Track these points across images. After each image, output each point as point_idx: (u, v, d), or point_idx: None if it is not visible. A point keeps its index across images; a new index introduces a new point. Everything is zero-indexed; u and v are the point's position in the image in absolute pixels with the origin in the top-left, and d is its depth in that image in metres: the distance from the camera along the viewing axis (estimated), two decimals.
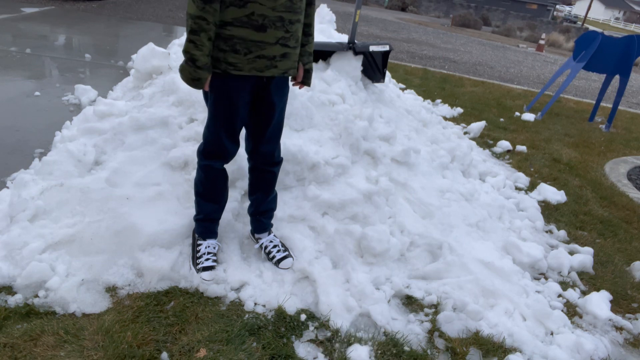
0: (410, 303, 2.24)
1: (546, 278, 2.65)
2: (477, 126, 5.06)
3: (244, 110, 1.97)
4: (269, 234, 2.33)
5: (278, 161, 2.20)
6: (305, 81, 2.13)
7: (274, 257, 2.25)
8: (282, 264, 2.23)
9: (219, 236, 2.28)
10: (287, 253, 2.27)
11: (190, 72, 1.77)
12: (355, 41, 3.35)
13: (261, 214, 2.28)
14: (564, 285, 2.60)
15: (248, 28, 1.78)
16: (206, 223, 2.19)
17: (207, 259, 2.14)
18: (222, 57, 1.81)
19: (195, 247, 2.19)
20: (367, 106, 3.26)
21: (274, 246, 2.28)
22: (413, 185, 2.90)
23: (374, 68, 3.57)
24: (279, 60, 1.88)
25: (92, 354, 1.69)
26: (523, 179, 3.92)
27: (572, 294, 2.49)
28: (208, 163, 2.05)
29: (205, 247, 2.17)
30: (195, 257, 2.16)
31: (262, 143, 2.10)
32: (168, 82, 3.00)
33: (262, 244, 2.29)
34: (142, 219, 2.19)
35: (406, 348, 1.94)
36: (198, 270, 2.12)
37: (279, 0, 1.79)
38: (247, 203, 2.47)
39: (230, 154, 2.07)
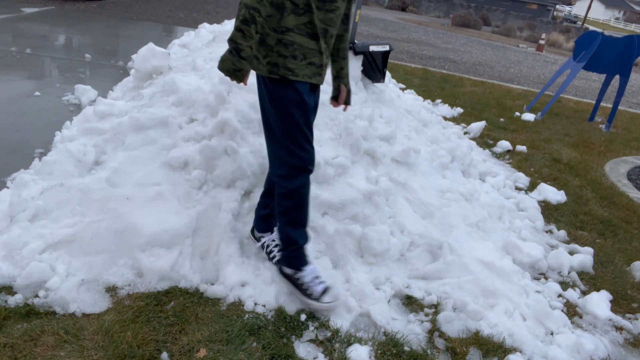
0: (410, 303, 2.24)
1: (546, 278, 2.65)
2: (477, 126, 5.06)
3: (312, 117, 1.97)
4: (271, 232, 2.30)
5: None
6: (348, 101, 2.22)
7: (274, 256, 2.23)
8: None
9: (219, 236, 2.28)
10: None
11: (234, 62, 1.73)
12: (355, 41, 3.35)
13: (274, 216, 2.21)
14: (564, 285, 2.60)
15: (305, 36, 1.82)
16: (300, 250, 2.05)
17: (317, 284, 2.01)
18: (281, 62, 1.81)
19: (296, 282, 2.04)
20: (367, 106, 3.26)
21: (275, 245, 2.23)
22: (413, 185, 2.90)
23: (374, 68, 3.57)
24: (323, 69, 1.93)
25: (92, 354, 1.69)
26: (523, 179, 3.92)
27: (572, 294, 2.49)
28: (300, 182, 1.95)
29: (309, 274, 2.03)
30: (304, 290, 2.01)
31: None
32: (168, 82, 3.00)
33: (264, 242, 2.27)
34: (142, 219, 2.19)
35: (406, 348, 1.94)
36: (317, 300, 1.99)
37: (328, 14, 1.83)
38: (247, 203, 2.47)
39: (314, 159, 1.97)
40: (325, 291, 2.01)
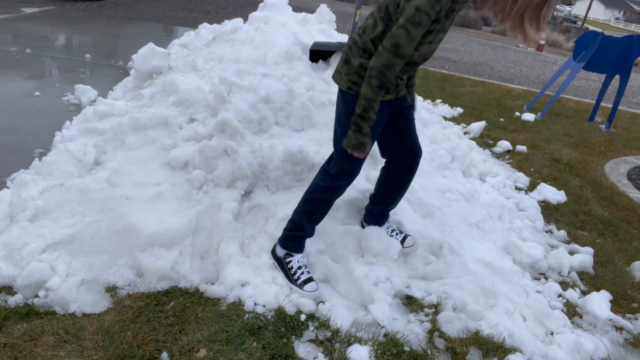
0: (410, 303, 2.24)
1: (546, 278, 2.65)
2: (477, 126, 5.06)
3: (380, 126, 2.06)
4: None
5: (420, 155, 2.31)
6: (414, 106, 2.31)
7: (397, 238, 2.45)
8: (406, 242, 2.44)
9: (219, 236, 2.28)
10: (404, 234, 2.48)
11: (359, 139, 1.89)
12: None
13: (387, 212, 2.47)
14: (564, 285, 2.60)
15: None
16: (301, 239, 2.21)
17: (303, 272, 2.14)
18: (360, 82, 1.91)
19: (285, 264, 2.17)
20: None
21: (392, 230, 2.47)
22: (413, 185, 2.89)
23: None
24: (399, 87, 2.04)
25: (92, 354, 1.69)
26: (523, 179, 3.91)
27: (572, 294, 2.49)
28: (340, 184, 2.11)
29: (297, 262, 2.17)
30: (290, 275, 2.14)
31: (399, 149, 2.26)
32: (168, 82, 3.00)
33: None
34: (142, 219, 2.19)
35: (406, 348, 1.94)
36: (300, 286, 2.11)
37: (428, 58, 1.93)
38: (247, 203, 2.47)
39: (359, 172, 2.14)
40: (308, 280, 2.13)
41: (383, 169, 2.38)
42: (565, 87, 6.54)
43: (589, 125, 6.50)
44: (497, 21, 1.69)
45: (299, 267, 2.15)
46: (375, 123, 1.93)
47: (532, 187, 3.85)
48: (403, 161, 2.27)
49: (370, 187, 2.65)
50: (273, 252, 2.25)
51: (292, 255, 2.18)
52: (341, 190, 2.16)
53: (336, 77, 2.02)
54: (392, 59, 1.74)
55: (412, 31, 1.67)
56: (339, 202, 2.52)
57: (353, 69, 1.93)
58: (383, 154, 2.33)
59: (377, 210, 2.45)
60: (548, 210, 3.48)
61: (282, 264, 2.19)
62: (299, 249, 2.22)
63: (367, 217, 2.50)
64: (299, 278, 2.13)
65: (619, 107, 6.99)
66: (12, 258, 2.02)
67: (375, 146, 2.27)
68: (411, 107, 2.22)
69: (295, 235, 2.19)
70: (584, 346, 2.06)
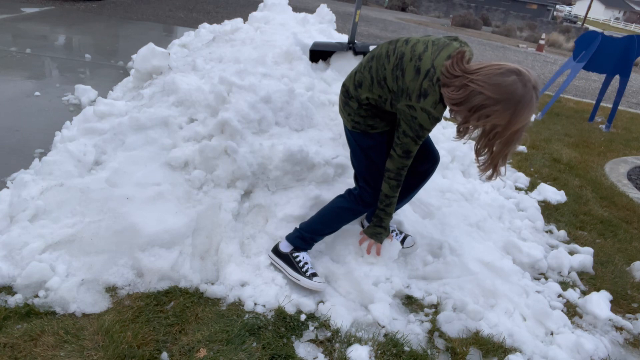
0: (410, 303, 2.24)
1: (546, 278, 2.65)
2: None
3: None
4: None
5: (438, 160, 2.39)
6: None
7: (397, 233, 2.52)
8: (406, 243, 2.48)
9: (219, 236, 2.28)
10: (404, 234, 2.51)
11: (377, 230, 2.23)
12: (355, 41, 3.35)
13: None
14: (564, 285, 2.60)
15: (382, 104, 2.03)
16: (313, 242, 2.28)
17: (310, 267, 2.20)
18: (362, 121, 2.10)
19: (292, 259, 2.23)
20: None
21: (392, 231, 2.49)
22: None
23: None
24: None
25: (92, 354, 1.69)
26: (523, 179, 3.91)
27: (572, 294, 2.49)
28: (362, 209, 2.26)
29: (304, 257, 2.23)
30: (298, 268, 2.20)
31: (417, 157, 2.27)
32: (168, 82, 3.00)
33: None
34: (142, 219, 2.19)
35: (406, 348, 1.94)
36: (309, 277, 2.16)
37: None
38: (247, 203, 2.47)
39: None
40: (315, 274, 2.19)
41: None
42: (565, 87, 6.54)
43: (589, 125, 6.50)
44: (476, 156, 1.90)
45: (306, 263, 2.21)
46: (380, 150, 2.13)
47: (532, 187, 3.85)
48: (421, 165, 2.30)
49: None
50: (275, 250, 2.26)
51: (299, 251, 2.24)
52: (361, 213, 2.30)
53: (341, 114, 2.20)
54: (405, 161, 2.01)
55: (418, 141, 1.95)
56: None
57: (353, 111, 2.10)
58: None
59: None
60: (548, 210, 3.48)
61: (289, 260, 2.22)
62: (309, 248, 2.28)
63: (369, 217, 2.50)
64: (307, 271, 2.18)
65: (619, 107, 6.99)
66: (12, 258, 2.02)
67: None
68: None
69: (310, 238, 2.25)
70: (584, 346, 2.06)
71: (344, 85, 2.16)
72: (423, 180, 2.38)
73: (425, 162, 2.30)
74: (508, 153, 1.83)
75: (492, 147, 1.81)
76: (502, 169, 1.88)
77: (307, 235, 2.24)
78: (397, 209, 2.48)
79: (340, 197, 2.29)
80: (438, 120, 1.88)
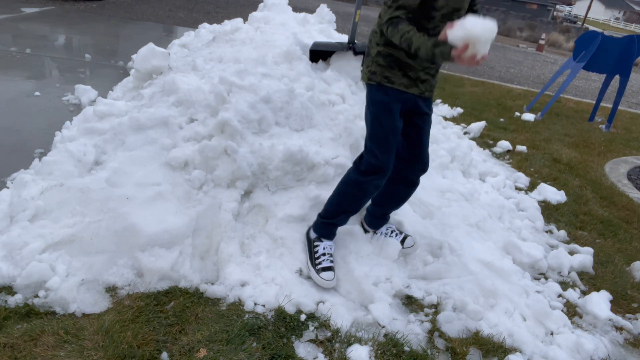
0: (410, 303, 2.24)
1: (546, 278, 2.65)
2: (477, 126, 5.06)
3: (400, 120, 2.09)
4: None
5: (425, 170, 2.32)
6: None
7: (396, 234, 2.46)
8: (406, 243, 2.43)
9: (219, 236, 2.28)
10: (404, 234, 2.46)
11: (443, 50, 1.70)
12: (355, 41, 3.35)
13: (388, 214, 2.48)
14: (564, 285, 2.60)
15: (402, 50, 1.95)
16: (332, 227, 2.26)
17: (325, 260, 2.19)
18: (379, 71, 2.02)
19: (312, 247, 2.24)
20: None
21: (392, 231, 2.47)
22: None
23: None
24: (420, 82, 2.05)
25: (92, 354, 1.69)
26: (523, 179, 3.91)
27: (572, 294, 2.49)
28: (369, 180, 2.12)
29: (324, 248, 2.22)
30: (313, 258, 2.20)
31: (414, 155, 2.24)
32: (168, 82, 3.00)
33: (382, 232, 2.48)
34: (142, 219, 2.19)
35: (406, 348, 1.94)
36: (318, 271, 2.16)
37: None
38: (247, 203, 2.47)
39: (390, 168, 2.14)
40: (327, 269, 2.17)
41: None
42: (565, 87, 6.55)
43: (589, 125, 6.50)
44: None
45: (324, 254, 2.20)
46: (390, 113, 2.03)
47: (532, 187, 3.85)
48: (408, 169, 2.28)
49: None
50: (307, 233, 2.31)
51: (321, 241, 2.24)
52: (372, 186, 2.14)
53: (362, 73, 2.13)
54: (394, 12, 1.84)
55: None
56: None
57: (371, 58, 2.04)
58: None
59: (379, 212, 2.45)
60: (548, 210, 3.48)
61: (310, 247, 2.25)
62: (330, 235, 2.27)
63: (367, 218, 2.50)
64: (319, 264, 2.18)
65: (619, 107, 6.99)
66: (12, 258, 2.02)
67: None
68: (427, 115, 2.19)
69: (327, 223, 2.24)
70: (584, 346, 2.06)
71: (370, 34, 2.08)
72: (410, 188, 2.35)
73: (413, 165, 2.26)
74: None
75: None
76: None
77: (323, 220, 2.24)
78: (382, 213, 2.46)
79: (348, 171, 2.22)
80: None
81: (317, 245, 2.23)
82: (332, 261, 2.21)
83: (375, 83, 2.04)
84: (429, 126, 2.24)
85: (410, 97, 2.06)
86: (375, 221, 2.48)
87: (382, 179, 2.13)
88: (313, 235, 2.28)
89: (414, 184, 2.34)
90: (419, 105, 2.13)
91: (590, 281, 2.68)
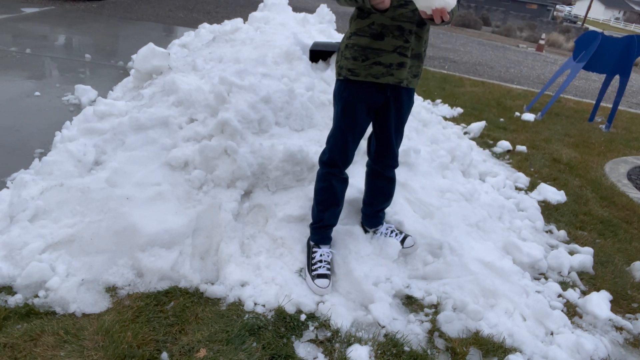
0: (410, 303, 2.24)
1: (546, 278, 2.65)
2: (477, 126, 5.06)
3: (365, 118, 2.07)
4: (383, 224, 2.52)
5: (394, 166, 2.31)
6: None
7: (396, 234, 2.46)
8: (406, 243, 2.43)
9: (219, 236, 2.28)
10: (404, 234, 2.46)
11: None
12: None
13: (380, 211, 2.47)
14: (564, 285, 2.60)
15: (367, 37, 1.91)
16: (323, 230, 2.28)
17: (321, 267, 2.19)
18: (345, 64, 1.98)
19: (310, 254, 2.26)
20: None
21: (392, 231, 2.46)
22: (413, 185, 2.90)
23: None
24: (395, 68, 1.95)
25: (92, 354, 1.69)
26: (523, 179, 3.91)
27: (572, 294, 2.49)
28: (330, 171, 2.16)
29: (320, 255, 2.23)
30: (310, 265, 2.22)
31: (381, 150, 2.23)
32: (168, 82, 3.00)
33: (382, 232, 2.47)
34: (142, 219, 2.19)
35: (406, 348, 1.94)
36: (313, 278, 2.17)
37: (398, 10, 1.84)
38: (247, 203, 2.47)
39: (350, 161, 2.18)
40: (323, 276, 2.16)
41: (366, 166, 2.40)
42: (565, 87, 6.54)
43: (589, 125, 6.49)
44: None
45: (320, 261, 2.21)
46: (352, 111, 2.02)
47: (532, 187, 3.85)
48: (378, 164, 2.29)
49: None
50: (308, 240, 2.33)
51: (318, 247, 2.26)
52: (334, 179, 2.18)
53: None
54: None
55: None
56: None
57: (340, 53, 2.03)
58: (368, 152, 2.35)
59: (370, 211, 2.46)
60: (548, 210, 3.48)
61: (309, 253, 2.27)
62: (324, 240, 2.28)
63: (363, 218, 2.52)
64: (315, 270, 2.18)
65: (619, 107, 6.99)
66: (12, 258, 2.02)
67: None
68: (401, 110, 2.11)
69: (317, 227, 2.27)
70: (584, 346, 2.06)
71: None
72: (388, 182, 2.36)
73: (381, 160, 2.26)
74: None
75: None
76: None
77: (313, 226, 2.27)
78: (373, 212, 2.45)
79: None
80: None
81: (314, 252, 2.24)
82: (328, 269, 2.21)
83: (342, 78, 2.02)
84: (401, 121, 2.17)
85: (384, 88, 1.99)
86: (371, 220, 2.48)
87: (339, 173, 2.18)
88: (311, 242, 2.30)
89: (390, 180, 2.35)
90: (399, 96, 2.04)
91: (590, 281, 2.68)
